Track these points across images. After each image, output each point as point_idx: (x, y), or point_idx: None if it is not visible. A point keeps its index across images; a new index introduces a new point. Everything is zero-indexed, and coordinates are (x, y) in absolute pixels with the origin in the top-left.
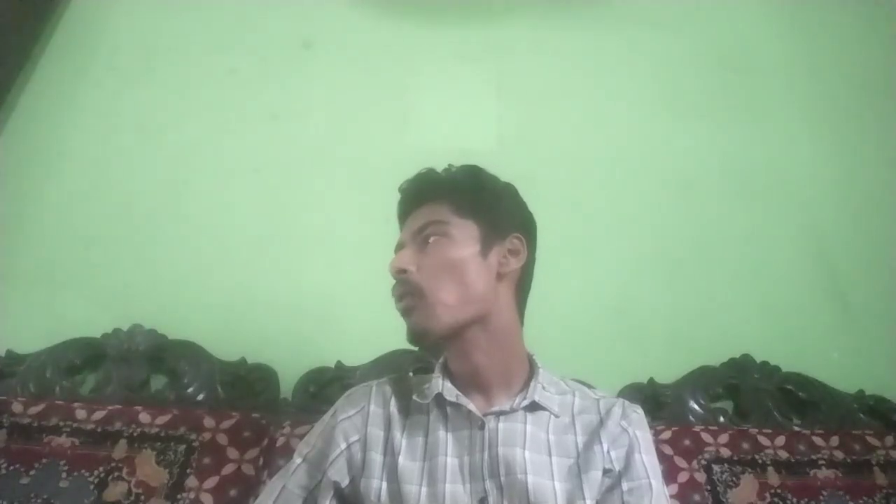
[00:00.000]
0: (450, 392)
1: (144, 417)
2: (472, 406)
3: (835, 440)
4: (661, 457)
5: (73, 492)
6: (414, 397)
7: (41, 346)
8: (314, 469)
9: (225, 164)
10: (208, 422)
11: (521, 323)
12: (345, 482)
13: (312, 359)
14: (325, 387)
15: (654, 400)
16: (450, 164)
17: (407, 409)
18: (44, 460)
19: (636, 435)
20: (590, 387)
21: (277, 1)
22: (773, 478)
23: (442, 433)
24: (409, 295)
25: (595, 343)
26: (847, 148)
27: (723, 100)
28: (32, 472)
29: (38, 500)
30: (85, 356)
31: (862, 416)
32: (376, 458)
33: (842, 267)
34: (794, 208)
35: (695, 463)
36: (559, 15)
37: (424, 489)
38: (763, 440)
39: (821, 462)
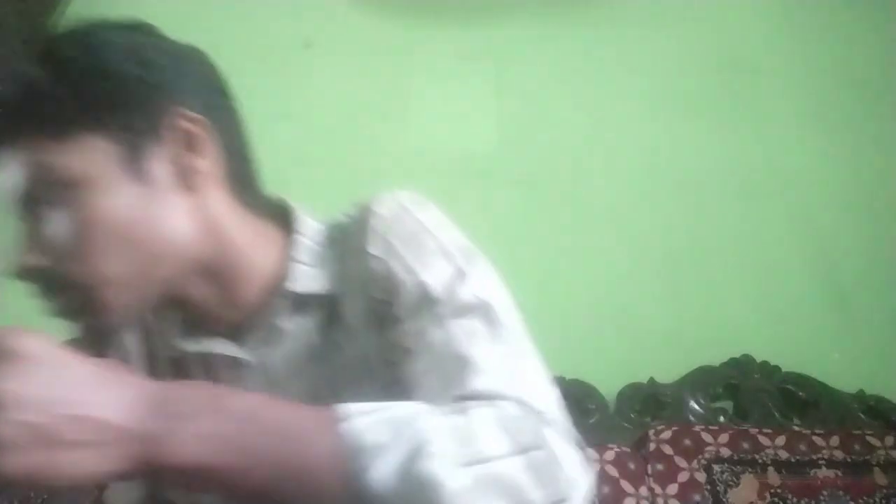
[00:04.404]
0: (190, 342)
1: None
2: (222, 348)
3: (835, 440)
4: (661, 457)
5: (73, 492)
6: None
7: None
8: None
9: None
10: None
11: (252, 203)
12: None
13: None
14: None
15: (654, 400)
16: (16, 65)
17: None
18: None
19: (388, 247)
20: (360, 209)
21: (277, 1)
22: (773, 477)
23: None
24: (62, 293)
25: (595, 343)
26: (847, 147)
27: (723, 100)
28: None
29: (39, 500)
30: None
31: (862, 416)
32: None
33: (842, 267)
34: (794, 208)
35: (695, 463)
36: (559, 15)
37: None
38: (763, 440)
39: (821, 462)
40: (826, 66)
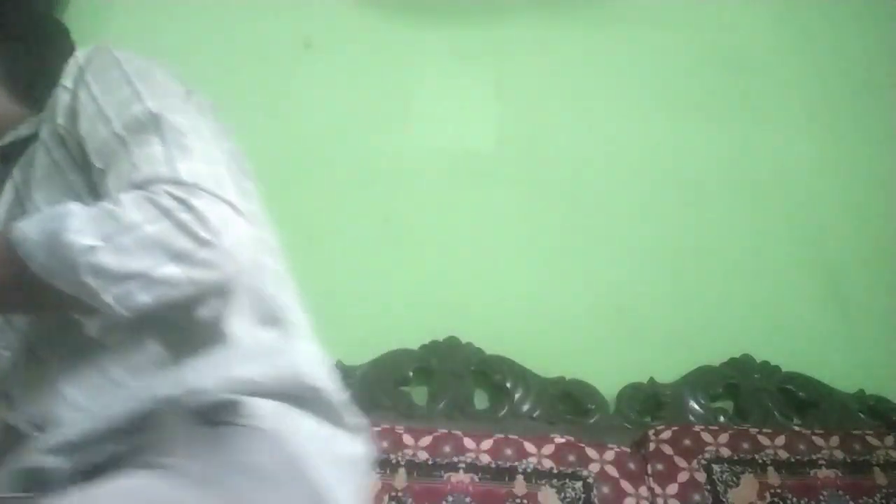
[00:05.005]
0: None
1: None
2: None
3: (835, 440)
4: (661, 457)
5: None
6: None
7: None
8: None
9: None
10: None
11: (28, 99)
12: None
13: None
14: None
15: (654, 400)
16: None
17: None
18: None
19: (79, 79)
20: None
21: (277, 1)
22: (773, 478)
23: None
24: None
25: (595, 343)
26: (847, 147)
27: (723, 100)
28: None
29: None
30: None
31: (862, 416)
32: None
33: (842, 267)
34: (794, 208)
35: (695, 463)
36: (559, 15)
37: None
38: (763, 440)
39: (821, 462)
40: (826, 65)
